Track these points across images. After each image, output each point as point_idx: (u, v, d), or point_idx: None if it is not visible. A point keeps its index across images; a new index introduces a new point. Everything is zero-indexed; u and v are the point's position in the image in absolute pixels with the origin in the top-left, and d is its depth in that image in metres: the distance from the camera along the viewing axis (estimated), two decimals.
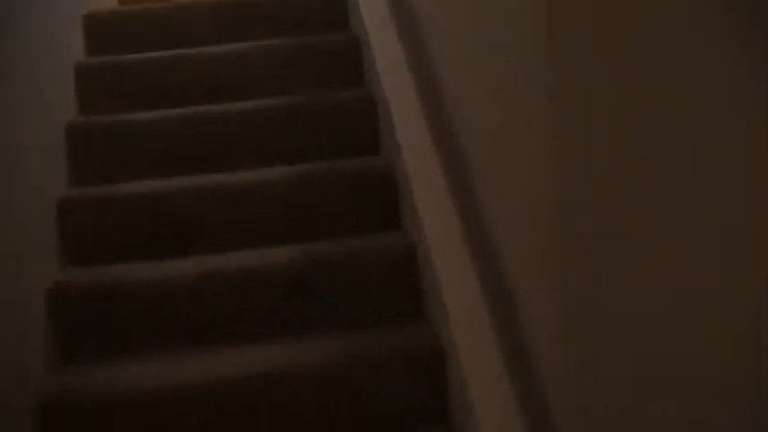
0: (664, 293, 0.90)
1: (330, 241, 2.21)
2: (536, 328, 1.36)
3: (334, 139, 2.51)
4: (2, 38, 2.01)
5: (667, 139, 0.86)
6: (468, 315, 1.57)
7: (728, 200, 0.76)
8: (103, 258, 2.25)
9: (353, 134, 2.52)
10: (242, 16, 2.93)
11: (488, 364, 1.48)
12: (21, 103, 2.11)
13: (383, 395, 1.84)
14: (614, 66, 0.97)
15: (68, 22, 2.70)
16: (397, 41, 2.13)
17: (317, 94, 2.54)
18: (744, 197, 0.73)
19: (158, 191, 2.25)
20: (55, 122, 2.40)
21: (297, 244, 2.25)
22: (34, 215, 2.11)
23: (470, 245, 1.68)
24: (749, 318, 0.73)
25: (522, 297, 1.44)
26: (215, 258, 2.14)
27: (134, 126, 2.46)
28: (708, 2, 0.76)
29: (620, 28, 0.94)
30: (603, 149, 1.02)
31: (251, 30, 2.93)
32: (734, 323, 0.76)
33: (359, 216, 2.30)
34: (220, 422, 1.80)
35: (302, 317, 2.06)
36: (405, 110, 1.97)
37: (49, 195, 2.24)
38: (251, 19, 2.93)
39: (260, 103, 2.49)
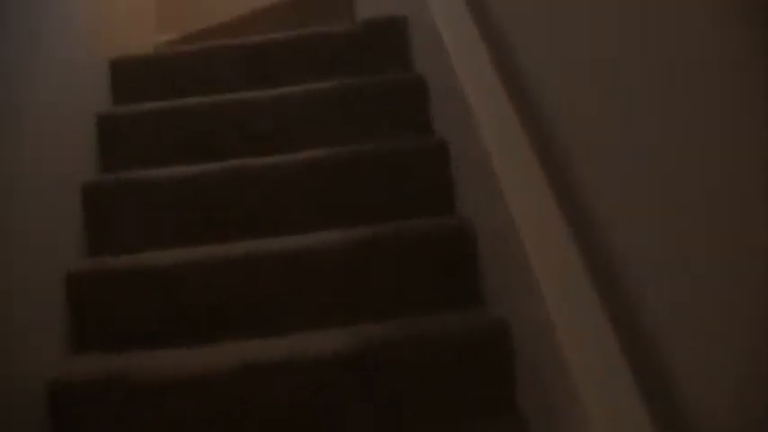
0: None
1: (397, 321, 1.80)
2: None
3: (396, 196, 2.11)
4: (15, 85, 1.66)
5: None
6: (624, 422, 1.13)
7: None
8: (121, 343, 1.86)
9: (420, 190, 2.12)
10: (284, 57, 2.56)
11: None
12: (32, 161, 1.74)
13: None
14: None
15: (93, 69, 2.35)
16: (500, 84, 1.71)
17: (374, 144, 2.15)
18: None
19: (186, 262, 1.86)
20: (71, 181, 2.04)
21: (355, 324, 1.84)
22: (38, 290, 1.73)
23: (616, 329, 1.25)
24: None
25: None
26: (253, 345, 1.74)
27: (160, 184, 2.08)
28: None
29: None
30: None
31: (293, 71, 2.55)
32: None
33: (430, 289, 1.88)
34: None
35: (366, 417, 1.65)
36: (512, 159, 1.53)
37: (58, 268, 1.86)
38: (293, 60, 2.56)
39: (306, 155, 2.11)
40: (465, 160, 1.91)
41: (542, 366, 1.42)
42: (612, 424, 1.18)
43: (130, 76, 2.54)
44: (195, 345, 1.83)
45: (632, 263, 1.20)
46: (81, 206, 2.07)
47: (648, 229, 1.13)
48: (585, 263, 1.35)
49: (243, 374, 1.64)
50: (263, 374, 1.64)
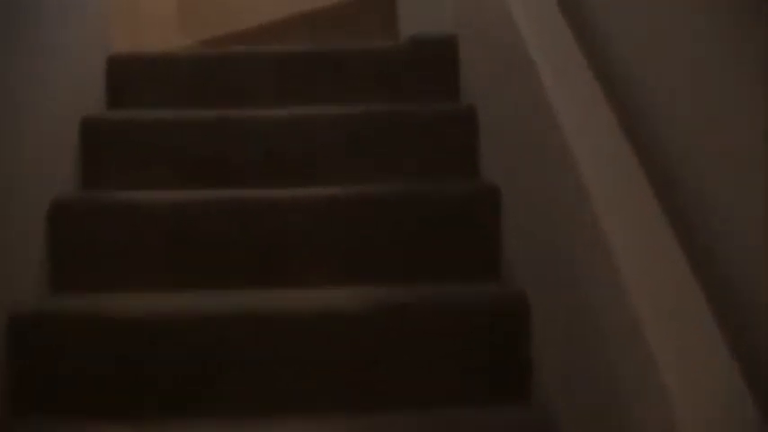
0: None
1: (422, 411, 1.41)
2: None
3: (428, 251, 1.73)
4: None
5: None
6: None
7: None
8: (74, 410, 1.48)
9: (460, 244, 1.73)
10: (313, 72, 2.19)
11: None
12: (6, 174, 1.38)
13: None
14: None
15: (85, 64, 1.99)
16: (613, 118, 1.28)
17: (410, 185, 1.77)
18: None
19: (167, 313, 1.48)
20: (41, 200, 1.67)
21: (374, 412, 1.45)
22: None
23: None
24: None
25: None
26: (240, 428, 1.36)
27: (148, 211, 1.71)
28: None
29: None
30: None
31: (323, 90, 2.18)
32: None
33: (466, 377, 1.49)
34: None
35: None
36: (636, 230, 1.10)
37: (8, 304, 1.49)
38: (324, 77, 2.19)
39: (332, 191, 1.73)
40: (529, 215, 1.52)
41: None
42: None
43: (133, 77, 2.17)
44: (164, 421, 1.45)
45: None
46: (46, 230, 1.70)
47: None
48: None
49: None
50: None
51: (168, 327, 1.47)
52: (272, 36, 3.04)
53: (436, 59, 2.21)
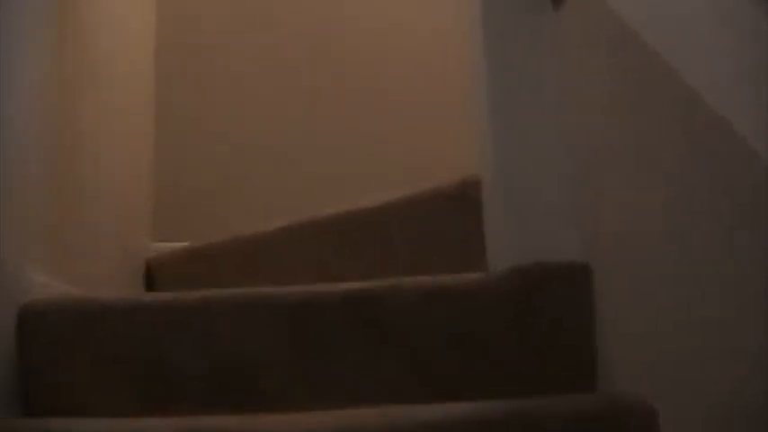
0: None
1: None
2: None
3: None
4: None
5: None
6: None
7: None
8: None
9: None
10: (353, 332, 1.31)
11: None
12: None
13: None
14: None
15: None
16: None
17: None
18: None
19: None
20: None
21: None
22: None
23: None
24: None
25: None
26: None
27: None
28: None
29: None
30: None
31: (372, 362, 1.30)
32: None
33: None
34: None
35: None
36: None
37: None
38: (371, 337, 1.31)
39: None
40: None
41: None
42: None
43: (53, 341, 1.30)
44: None
45: None
46: None
47: None
48: None
49: None
50: None
51: None
52: (284, 247, 2.18)
53: (554, 305, 1.34)
